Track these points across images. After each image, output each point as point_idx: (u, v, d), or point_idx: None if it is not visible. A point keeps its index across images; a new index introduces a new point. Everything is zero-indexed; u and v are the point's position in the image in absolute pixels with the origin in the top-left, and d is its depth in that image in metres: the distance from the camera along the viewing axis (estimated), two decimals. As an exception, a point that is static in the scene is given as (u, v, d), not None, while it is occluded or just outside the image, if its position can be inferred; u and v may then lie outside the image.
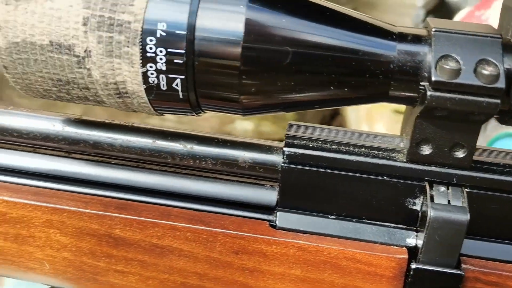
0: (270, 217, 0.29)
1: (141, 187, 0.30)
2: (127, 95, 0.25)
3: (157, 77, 0.24)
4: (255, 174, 0.29)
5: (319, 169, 0.27)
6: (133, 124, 0.30)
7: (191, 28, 0.23)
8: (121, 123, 0.30)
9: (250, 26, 0.23)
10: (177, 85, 0.24)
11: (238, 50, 0.23)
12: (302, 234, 0.28)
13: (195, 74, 0.23)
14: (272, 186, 0.29)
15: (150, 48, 0.23)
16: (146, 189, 0.30)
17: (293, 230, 0.28)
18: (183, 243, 0.28)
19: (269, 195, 0.29)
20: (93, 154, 0.30)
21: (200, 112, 0.26)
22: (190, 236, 0.28)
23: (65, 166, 0.31)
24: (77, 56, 0.24)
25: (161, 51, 0.23)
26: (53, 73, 0.24)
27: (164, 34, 0.23)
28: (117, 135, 0.29)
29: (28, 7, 0.23)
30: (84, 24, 0.23)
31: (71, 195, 0.30)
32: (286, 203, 0.29)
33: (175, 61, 0.23)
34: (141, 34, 0.23)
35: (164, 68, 0.23)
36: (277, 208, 0.29)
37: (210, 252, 0.28)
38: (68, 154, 0.31)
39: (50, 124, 0.30)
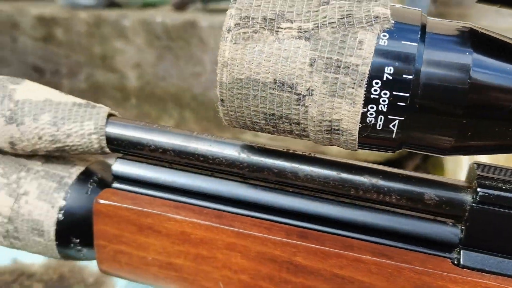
0: (451, 255, 0.29)
1: (320, 216, 0.31)
2: (338, 132, 0.26)
3: (376, 117, 0.24)
4: (438, 211, 0.29)
5: (510, 211, 0.27)
6: (315, 155, 0.31)
7: (417, 73, 0.23)
8: (304, 153, 0.31)
9: (475, 73, 0.23)
10: (393, 125, 0.24)
11: (461, 96, 0.23)
12: (487, 274, 0.28)
13: (414, 116, 0.24)
14: (453, 223, 0.29)
15: (375, 90, 0.24)
16: (325, 218, 0.31)
17: (477, 270, 0.28)
18: (366, 275, 0.29)
19: (451, 233, 0.29)
20: (274, 182, 0.31)
21: (399, 150, 0.27)
22: (374, 269, 0.29)
23: (244, 191, 0.32)
24: (298, 94, 0.25)
25: (385, 94, 0.24)
26: (268, 108, 0.26)
27: (390, 78, 0.24)
28: (302, 165, 0.30)
29: (256, 46, 0.25)
30: (311, 65, 0.24)
31: (252, 220, 0.31)
32: (470, 242, 0.29)
33: (398, 103, 0.24)
34: (368, 77, 0.24)
35: (385, 109, 0.24)
36: (460, 246, 0.29)
37: (392, 286, 0.29)
38: (243, 179, 0.33)
39: (236, 151, 0.31)
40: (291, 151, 0.31)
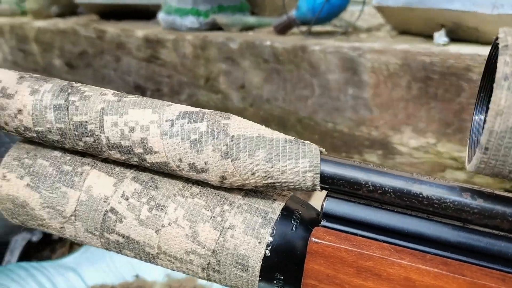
0: None
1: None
2: None
3: None
4: None
5: None
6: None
7: None
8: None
9: None
10: None
11: None
12: None
13: None
14: None
15: None
16: None
17: None
18: None
19: None
20: (507, 230, 0.30)
21: None
22: None
23: (467, 237, 0.31)
24: None
25: None
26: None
27: None
28: None
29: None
30: None
31: (480, 269, 0.30)
32: None
33: None
34: None
35: None
36: None
37: None
38: (462, 224, 0.31)
39: (466, 196, 0.30)
40: (528, 198, 0.30)
